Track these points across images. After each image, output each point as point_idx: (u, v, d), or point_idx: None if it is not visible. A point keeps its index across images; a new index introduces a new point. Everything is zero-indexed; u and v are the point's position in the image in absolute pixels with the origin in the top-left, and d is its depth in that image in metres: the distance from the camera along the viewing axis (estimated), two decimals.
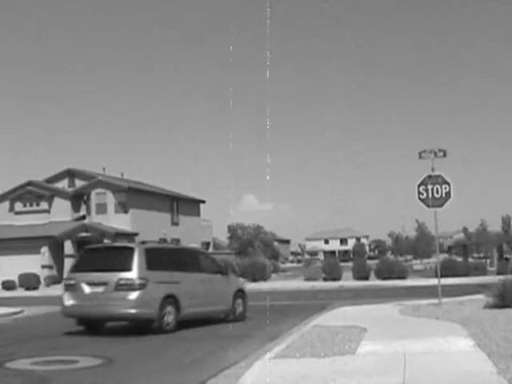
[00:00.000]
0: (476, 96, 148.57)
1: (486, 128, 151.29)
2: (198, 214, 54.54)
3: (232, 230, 73.07)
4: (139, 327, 12.75)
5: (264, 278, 37.01)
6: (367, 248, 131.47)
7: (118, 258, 13.10)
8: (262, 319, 14.54)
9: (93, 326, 13.40)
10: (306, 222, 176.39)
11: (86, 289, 12.79)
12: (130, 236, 43.21)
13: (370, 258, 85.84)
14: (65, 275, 40.91)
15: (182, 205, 51.51)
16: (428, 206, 15.65)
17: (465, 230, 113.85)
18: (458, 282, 27.63)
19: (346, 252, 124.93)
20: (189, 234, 50.14)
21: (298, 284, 34.38)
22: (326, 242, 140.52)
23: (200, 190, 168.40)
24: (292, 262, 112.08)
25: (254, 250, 60.62)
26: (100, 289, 12.63)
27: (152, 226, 45.03)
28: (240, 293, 15.59)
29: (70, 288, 13.16)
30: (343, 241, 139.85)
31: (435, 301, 15.61)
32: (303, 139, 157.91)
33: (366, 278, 35.48)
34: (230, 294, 15.11)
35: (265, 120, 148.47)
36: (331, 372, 7.00)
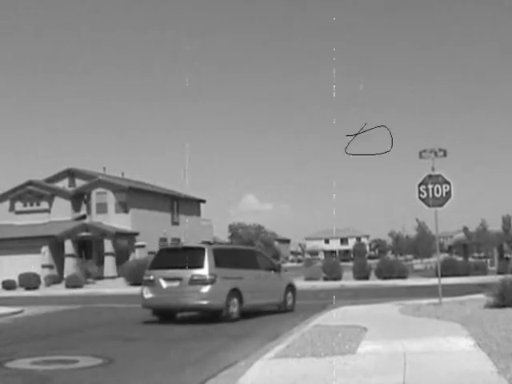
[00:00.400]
0: (476, 96, 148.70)
1: (486, 128, 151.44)
2: (198, 213, 54.54)
3: (233, 230, 73.15)
4: (209, 316, 14.72)
5: None
6: (367, 247, 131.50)
7: (190, 257, 14.87)
8: (265, 319, 14.78)
9: (166, 316, 15.34)
10: (306, 221, 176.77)
11: (163, 284, 14.75)
12: (131, 236, 43.35)
13: (370, 257, 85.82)
14: (65, 275, 41.42)
15: (183, 204, 51.49)
16: (428, 205, 15.62)
17: (465, 229, 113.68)
18: (458, 281, 27.60)
19: (347, 252, 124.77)
20: (189, 233, 50.02)
21: (299, 283, 33.95)
22: (327, 241, 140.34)
23: (200, 189, 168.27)
24: (292, 261, 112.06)
25: None
26: (175, 283, 14.57)
27: (152, 226, 45.16)
28: (290, 287, 17.56)
29: (148, 283, 15.21)
30: (343, 240, 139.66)
31: (435, 300, 15.60)
32: (303, 139, 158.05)
33: (367, 278, 35.43)
34: (282, 289, 17.06)
35: (266, 120, 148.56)
36: (331, 371, 6.99)
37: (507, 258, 41.76)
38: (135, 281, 36.84)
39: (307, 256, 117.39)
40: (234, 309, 14.75)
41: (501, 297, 13.02)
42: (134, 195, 44.91)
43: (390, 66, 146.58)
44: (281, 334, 11.44)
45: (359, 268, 36.57)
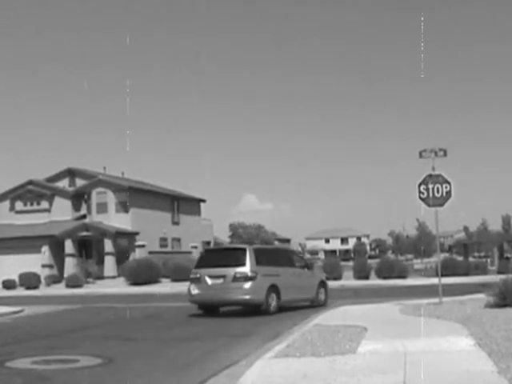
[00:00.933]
0: (477, 95, 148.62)
1: (486, 127, 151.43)
2: (198, 213, 54.44)
3: (233, 229, 73.04)
4: (251, 310, 16.10)
5: None
6: (368, 247, 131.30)
7: (233, 257, 16.36)
8: (268, 318, 14.74)
9: (211, 310, 16.70)
10: (307, 221, 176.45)
11: (209, 281, 16.04)
12: (131, 235, 43.38)
13: (370, 257, 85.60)
14: (65, 275, 41.39)
15: (183, 204, 51.45)
16: (429, 205, 15.60)
17: (465, 229, 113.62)
18: (458, 281, 27.58)
19: (347, 251, 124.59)
20: (189, 233, 50.17)
21: None
22: (327, 241, 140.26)
23: (201, 189, 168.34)
24: None
25: None
26: (220, 280, 15.91)
27: (153, 226, 45.15)
28: (322, 283, 18.75)
29: (195, 281, 16.44)
30: (344, 240, 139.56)
31: (436, 300, 15.60)
32: (303, 139, 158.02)
33: (367, 278, 35.42)
34: (315, 285, 18.29)
35: (266, 119, 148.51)
36: (332, 371, 6.99)
37: (507, 258, 41.66)
38: (135, 280, 36.97)
39: (307, 256, 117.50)
40: (273, 303, 16.10)
41: (501, 296, 12.99)
42: (134, 195, 44.82)
43: (389, 65, 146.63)
44: (281, 334, 11.44)
45: (359, 268, 36.53)
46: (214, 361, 8.83)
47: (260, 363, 7.93)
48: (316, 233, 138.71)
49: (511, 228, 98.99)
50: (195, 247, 48.13)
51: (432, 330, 10.20)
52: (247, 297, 15.74)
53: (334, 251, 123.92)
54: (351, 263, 43.41)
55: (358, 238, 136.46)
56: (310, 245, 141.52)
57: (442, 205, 15.60)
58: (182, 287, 31.99)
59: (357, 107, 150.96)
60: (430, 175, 15.56)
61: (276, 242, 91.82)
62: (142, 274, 37.06)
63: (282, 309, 16.49)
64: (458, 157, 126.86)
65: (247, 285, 15.67)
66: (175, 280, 36.32)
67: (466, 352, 7.87)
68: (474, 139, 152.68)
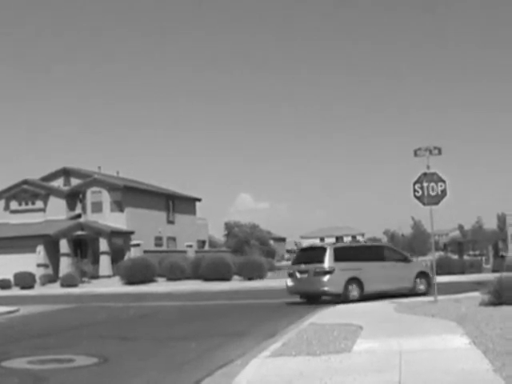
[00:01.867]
0: (472, 94, 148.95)
1: (481, 126, 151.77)
2: (193, 212, 54.38)
3: (229, 228, 72.92)
4: (333, 299, 17.99)
5: (260, 276, 36.64)
6: None
7: (316, 255, 18.94)
8: (260, 317, 14.71)
9: (309, 298, 19.11)
10: (302, 220, 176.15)
11: (298, 275, 18.96)
12: (126, 234, 43.29)
13: None
14: (60, 274, 41.29)
15: (178, 203, 51.40)
16: (424, 203, 15.60)
17: (460, 227, 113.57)
18: (453, 279, 27.54)
19: None
20: (185, 232, 50.09)
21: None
22: (322, 239, 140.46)
23: (196, 188, 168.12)
24: (288, 260, 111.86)
25: (251, 249, 60.42)
26: (305, 275, 18.69)
27: (148, 225, 45.07)
28: (422, 274, 20.04)
29: (290, 275, 19.45)
30: (339, 238, 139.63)
31: (431, 298, 15.65)
32: (299, 138, 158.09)
33: None
34: (412, 276, 19.66)
35: (261, 119, 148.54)
36: (327, 370, 7.00)
37: (502, 256, 41.81)
38: (131, 280, 36.82)
39: None
40: (354, 293, 18.13)
41: (496, 295, 12.99)
42: (129, 194, 44.71)
43: (389, 65, 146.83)
44: (277, 333, 11.41)
45: None
46: (210, 360, 8.81)
47: (256, 362, 7.93)
48: (311, 232, 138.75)
49: (506, 227, 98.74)
50: (190, 246, 47.81)
51: (427, 328, 10.23)
52: (326, 288, 18.17)
53: None
54: None
55: (353, 237, 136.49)
56: (306, 243, 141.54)
57: (437, 203, 15.60)
58: (177, 286, 32.02)
59: (355, 106, 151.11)
60: (425, 173, 15.53)
61: (271, 241, 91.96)
62: (138, 274, 36.88)
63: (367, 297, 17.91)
64: (453, 155, 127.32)
65: (325, 278, 18.06)
66: (170, 279, 36.45)
67: (461, 350, 7.89)
68: (470, 138, 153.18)
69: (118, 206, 43.80)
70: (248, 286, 31.23)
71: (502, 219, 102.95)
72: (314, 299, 18.96)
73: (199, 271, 36.33)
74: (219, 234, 77.20)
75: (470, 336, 8.84)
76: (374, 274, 18.58)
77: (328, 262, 18.21)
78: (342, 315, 13.38)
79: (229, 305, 20.31)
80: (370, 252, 20.14)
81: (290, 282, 19.46)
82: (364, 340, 9.20)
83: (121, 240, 43.19)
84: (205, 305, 21.00)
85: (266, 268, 38.61)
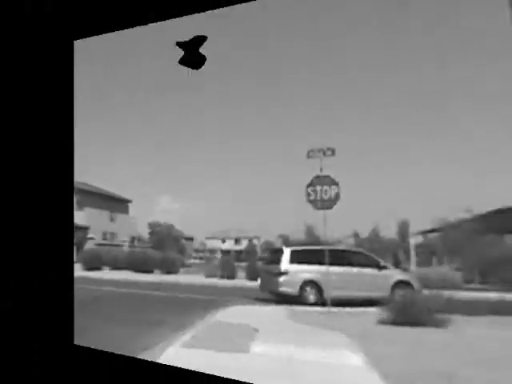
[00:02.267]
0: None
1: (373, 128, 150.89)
2: (127, 211, 58.94)
3: (152, 227, 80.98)
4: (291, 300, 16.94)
5: (175, 272, 40.87)
6: (259, 249, 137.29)
7: (278, 256, 18.55)
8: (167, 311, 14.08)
9: (278, 297, 18.51)
10: (209, 221, 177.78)
11: (265, 275, 19.09)
12: (85, 230, 48.01)
13: (261, 259, 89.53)
14: None
15: (117, 204, 55.86)
16: (317, 207, 14.23)
17: (355, 235, 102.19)
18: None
19: (241, 252, 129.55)
20: (122, 229, 54.44)
21: (200, 280, 35.22)
22: (223, 241, 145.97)
23: (128, 190, 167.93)
24: (195, 258, 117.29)
25: (169, 246, 65.77)
26: (269, 275, 18.51)
27: (98, 222, 49.89)
28: (401, 284, 17.38)
29: (260, 275, 20.01)
30: (237, 241, 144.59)
31: (325, 309, 14.83)
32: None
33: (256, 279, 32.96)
34: (388, 285, 17.24)
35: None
36: (225, 367, 6.86)
37: (405, 269, 31.46)
38: (89, 266, 41.35)
39: (207, 254, 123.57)
40: (311, 296, 17.32)
41: (398, 313, 11.73)
42: (85, 195, 49.18)
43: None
44: (186, 326, 11.06)
45: (251, 269, 37.22)
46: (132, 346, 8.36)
47: (172, 350, 7.83)
48: (214, 233, 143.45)
49: (408, 236, 79.41)
50: (125, 241, 52.91)
51: (322, 340, 9.55)
52: (283, 289, 17.55)
53: (228, 251, 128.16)
54: (244, 264, 44.49)
55: (250, 240, 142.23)
56: (210, 244, 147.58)
57: (330, 207, 14.15)
58: (118, 275, 34.37)
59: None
60: (318, 176, 14.27)
61: (183, 240, 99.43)
62: (94, 262, 41.47)
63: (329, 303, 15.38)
64: (350, 158, 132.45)
65: (281, 279, 17.63)
66: (113, 268, 40.88)
67: (355, 368, 7.40)
68: (361, 139, 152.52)
69: (79, 206, 48.45)
70: (166, 279, 33.55)
71: (403, 227, 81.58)
72: (281, 297, 18.39)
73: (132, 263, 40.81)
74: (145, 232, 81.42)
75: (367, 354, 8.26)
76: (339, 279, 16.75)
77: (284, 263, 17.85)
78: (244, 316, 12.74)
79: (155, 296, 20.28)
80: (335, 256, 17.15)
81: (259, 281, 19.57)
82: (259, 343, 8.94)
83: (82, 234, 47.72)
84: (136, 293, 21.52)
85: (179, 264, 43.25)
